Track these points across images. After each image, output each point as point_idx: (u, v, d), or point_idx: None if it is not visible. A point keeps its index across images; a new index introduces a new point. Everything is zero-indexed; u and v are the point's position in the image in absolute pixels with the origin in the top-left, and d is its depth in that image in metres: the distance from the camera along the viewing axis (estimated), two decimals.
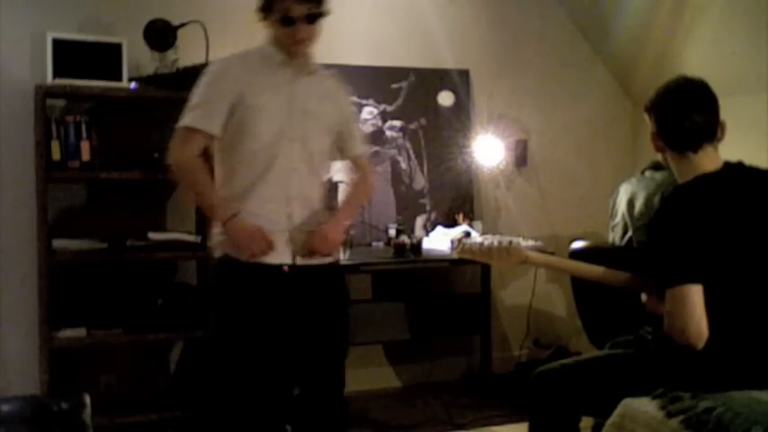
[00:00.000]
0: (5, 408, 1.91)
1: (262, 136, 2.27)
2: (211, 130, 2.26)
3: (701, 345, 1.99)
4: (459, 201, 4.12)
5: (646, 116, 2.26)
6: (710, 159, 2.16)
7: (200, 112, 2.25)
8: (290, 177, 2.30)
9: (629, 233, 3.08)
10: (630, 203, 3.09)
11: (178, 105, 3.78)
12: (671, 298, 2.01)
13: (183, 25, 3.34)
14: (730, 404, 1.89)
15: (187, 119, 2.26)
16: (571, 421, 2.22)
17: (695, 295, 1.98)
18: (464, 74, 4.17)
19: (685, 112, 2.16)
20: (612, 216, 3.23)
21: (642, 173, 3.16)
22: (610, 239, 3.23)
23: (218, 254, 2.38)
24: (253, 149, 2.27)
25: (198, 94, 2.29)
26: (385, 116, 4.02)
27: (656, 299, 2.12)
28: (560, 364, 2.29)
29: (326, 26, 2.30)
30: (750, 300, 2.06)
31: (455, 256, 2.82)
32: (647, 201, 3.00)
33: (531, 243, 3.52)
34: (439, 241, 3.71)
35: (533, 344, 4.25)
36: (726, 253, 2.04)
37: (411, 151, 4.07)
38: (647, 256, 2.14)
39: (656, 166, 3.08)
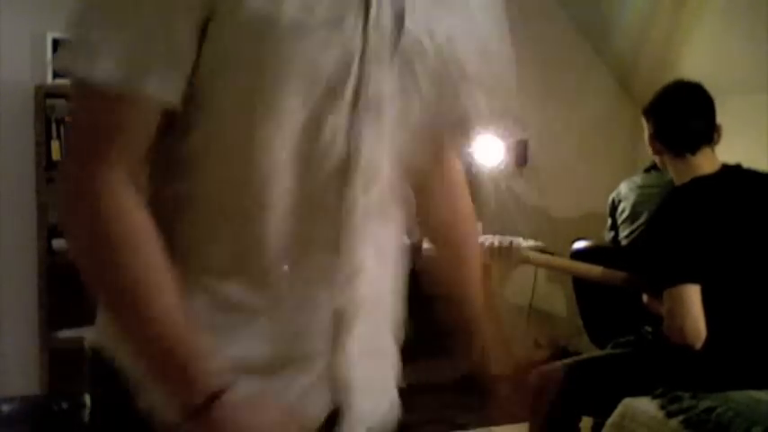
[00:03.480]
0: (5, 408, 1.91)
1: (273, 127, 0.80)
2: (165, 95, 0.78)
3: (698, 344, 1.99)
4: None
5: (643, 120, 2.28)
6: (708, 161, 2.18)
7: (137, 50, 0.75)
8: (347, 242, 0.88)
9: (640, 228, 3.07)
10: (639, 200, 3.08)
11: None
12: (669, 297, 2.01)
13: None
14: (730, 404, 1.89)
15: (103, 67, 0.74)
16: (572, 421, 2.23)
17: (693, 294, 1.98)
18: None
19: (683, 115, 2.19)
20: (617, 214, 3.22)
21: (647, 171, 3.15)
22: (607, 238, 3.22)
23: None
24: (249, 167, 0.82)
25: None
26: None
27: (655, 299, 2.12)
28: (561, 363, 2.30)
29: None
30: (748, 300, 2.06)
31: None
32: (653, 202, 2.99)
33: (531, 243, 3.51)
34: None
35: (533, 344, 4.25)
36: (723, 254, 2.05)
37: None
38: (646, 255, 2.15)
39: (656, 165, 3.07)
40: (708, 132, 2.20)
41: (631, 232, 3.14)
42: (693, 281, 1.99)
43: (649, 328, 2.26)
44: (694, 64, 3.82)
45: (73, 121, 0.82)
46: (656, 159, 2.33)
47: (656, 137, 2.25)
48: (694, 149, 2.18)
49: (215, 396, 0.75)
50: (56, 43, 3.12)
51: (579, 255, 3.05)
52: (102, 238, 0.78)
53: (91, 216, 0.79)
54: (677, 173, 2.22)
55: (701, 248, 2.03)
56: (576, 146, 4.45)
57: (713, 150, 2.22)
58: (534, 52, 4.32)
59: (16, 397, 2.06)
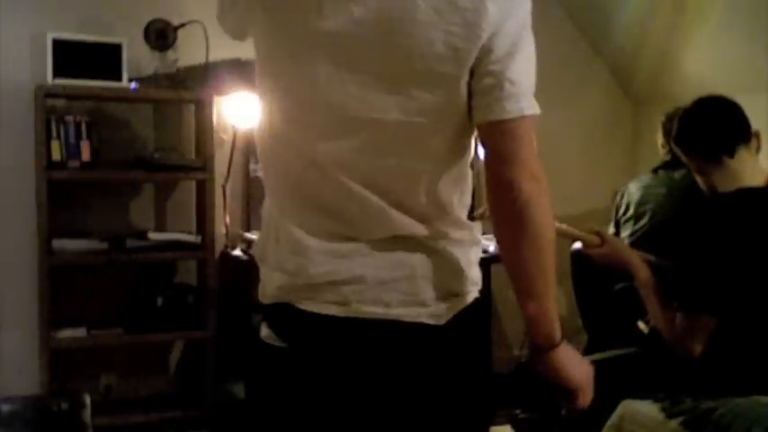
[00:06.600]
0: (5, 408, 1.91)
1: None
2: None
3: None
4: None
5: (679, 152, 2.14)
6: (751, 169, 2.05)
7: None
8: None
9: (642, 229, 3.07)
10: (643, 200, 3.08)
11: (178, 105, 3.76)
12: (687, 321, 1.96)
13: (182, 25, 3.33)
14: (731, 406, 1.88)
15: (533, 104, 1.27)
16: (583, 421, 2.21)
17: (710, 323, 1.95)
18: None
19: (706, 116, 2.12)
20: (620, 212, 3.20)
21: (655, 171, 3.14)
22: (622, 234, 3.20)
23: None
24: None
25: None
26: None
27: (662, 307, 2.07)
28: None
29: None
30: (755, 313, 2.02)
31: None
32: (670, 199, 2.98)
33: None
34: None
35: None
36: (747, 277, 1.97)
37: None
38: (688, 270, 2.03)
39: (665, 165, 3.06)
40: (741, 131, 2.04)
41: (633, 233, 3.13)
42: (717, 313, 1.95)
43: (643, 326, 2.25)
44: (694, 64, 3.82)
45: (529, 142, 1.31)
46: (702, 182, 2.11)
47: (690, 153, 2.08)
48: (731, 150, 2.00)
49: (558, 344, 1.35)
50: (56, 43, 3.11)
51: (579, 254, 3.05)
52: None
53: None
54: (721, 185, 2.04)
55: (742, 280, 1.93)
56: (575, 146, 4.45)
57: (756, 157, 2.05)
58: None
59: (16, 397, 2.06)
